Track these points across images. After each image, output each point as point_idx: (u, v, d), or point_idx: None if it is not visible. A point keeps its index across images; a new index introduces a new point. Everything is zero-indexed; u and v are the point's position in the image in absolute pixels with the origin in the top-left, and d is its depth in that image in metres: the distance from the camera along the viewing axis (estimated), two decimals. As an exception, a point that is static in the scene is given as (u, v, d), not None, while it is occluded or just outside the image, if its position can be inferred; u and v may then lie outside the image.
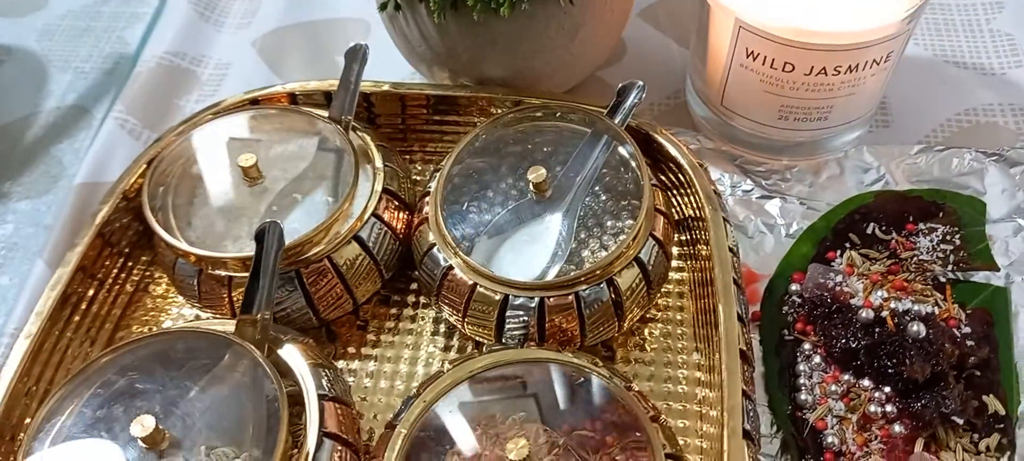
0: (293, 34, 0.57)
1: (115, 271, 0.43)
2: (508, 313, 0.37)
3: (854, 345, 0.38)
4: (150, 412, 0.32)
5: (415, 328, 0.43)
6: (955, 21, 0.55)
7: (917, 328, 0.37)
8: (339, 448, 0.34)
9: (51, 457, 0.32)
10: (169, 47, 0.56)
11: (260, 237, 0.36)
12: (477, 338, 0.40)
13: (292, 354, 0.36)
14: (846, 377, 0.38)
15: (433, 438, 0.33)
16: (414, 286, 0.44)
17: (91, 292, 0.42)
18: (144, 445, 0.32)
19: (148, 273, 0.45)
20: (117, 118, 0.51)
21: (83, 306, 0.42)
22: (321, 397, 0.34)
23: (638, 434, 0.32)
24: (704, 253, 0.40)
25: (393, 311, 0.43)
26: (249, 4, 0.60)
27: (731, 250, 0.39)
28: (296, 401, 0.34)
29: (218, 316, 0.40)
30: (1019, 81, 0.51)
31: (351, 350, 0.42)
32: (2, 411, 0.35)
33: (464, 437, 0.34)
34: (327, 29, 0.57)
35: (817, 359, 0.39)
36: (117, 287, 0.44)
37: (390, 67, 0.50)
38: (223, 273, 0.39)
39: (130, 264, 0.44)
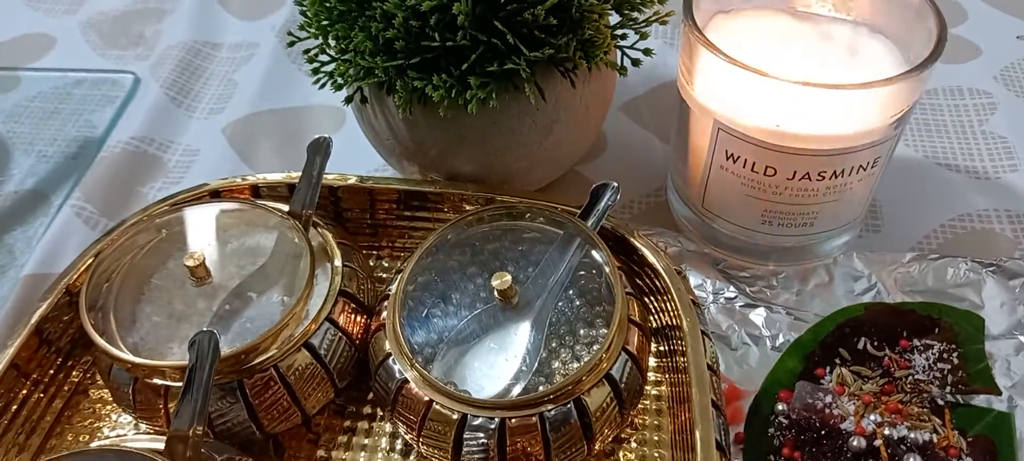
0: (264, 121, 0.56)
1: (52, 371, 0.41)
2: (466, 434, 0.34)
3: (844, 476, 0.35)
4: (56, 547, 0.29)
5: (369, 444, 0.39)
6: (946, 122, 0.54)
7: (913, 459, 0.34)
8: None
9: None
10: (137, 132, 0.54)
11: (194, 348, 0.33)
12: None
13: (227, 478, 0.33)
14: (837, 511, 0.35)
15: None
16: (371, 396, 0.41)
17: (24, 393, 0.39)
18: None
19: (89, 375, 0.42)
20: (74, 206, 0.49)
21: (14, 408, 0.39)
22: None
23: None
24: (682, 364, 0.37)
25: (347, 424, 0.40)
26: (223, 89, 0.59)
27: (710, 368, 0.36)
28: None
29: (155, 429, 0.37)
30: (1015, 186, 0.49)
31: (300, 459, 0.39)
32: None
33: None
34: (299, 117, 0.56)
35: (805, 489, 0.36)
36: (54, 388, 0.41)
37: (363, 159, 0.48)
38: (160, 382, 0.36)
39: (70, 363, 0.42)
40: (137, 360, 0.35)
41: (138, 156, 0.53)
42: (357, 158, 0.50)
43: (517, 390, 0.35)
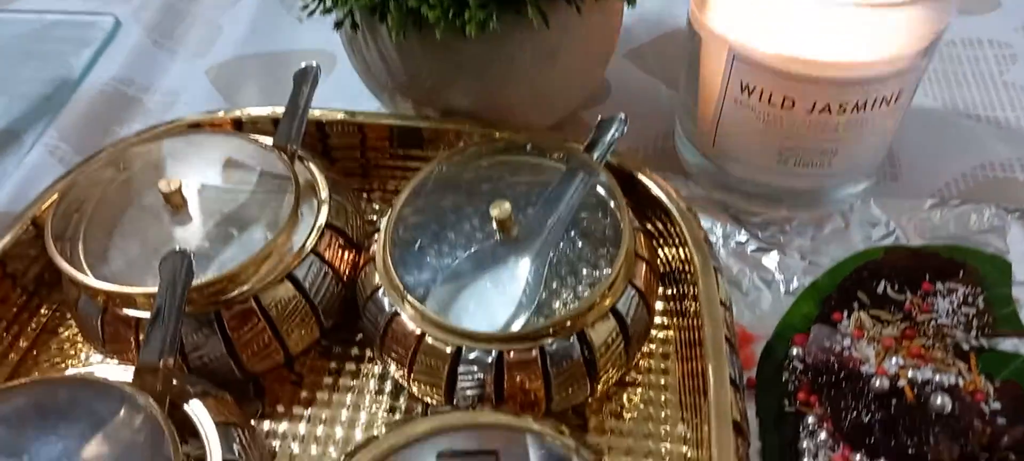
0: (251, 64, 0.53)
1: (15, 310, 0.38)
2: (461, 369, 0.32)
3: (867, 419, 0.32)
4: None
5: (356, 385, 0.37)
6: (966, 73, 0.51)
7: (942, 401, 0.32)
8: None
9: None
10: (116, 73, 0.51)
11: (165, 268, 0.31)
12: (426, 399, 0.34)
13: (199, 411, 0.30)
14: (858, 457, 0.32)
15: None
16: (360, 337, 0.38)
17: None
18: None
19: (58, 313, 0.40)
20: (47, 145, 0.46)
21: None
22: (228, 462, 0.28)
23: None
24: (692, 310, 0.35)
25: (333, 366, 0.38)
26: (207, 32, 0.56)
27: (723, 304, 0.33)
28: (200, 459, 0.29)
29: (126, 364, 0.35)
30: (1038, 135, 0.47)
31: (280, 409, 0.36)
32: None
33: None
34: (287, 60, 0.53)
35: (823, 435, 0.34)
36: (17, 328, 0.38)
37: (353, 104, 0.45)
38: (130, 313, 0.33)
39: (36, 302, 0.39)
40: (106, 287, 0.32)
41: (116, 97, 0.50)
42: (347, 103, 0.47)
43: (516, 326, 0.32)
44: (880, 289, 0.38)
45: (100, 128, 0.48)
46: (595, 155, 0.37)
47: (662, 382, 0.36)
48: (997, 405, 0.34)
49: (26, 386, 0.30)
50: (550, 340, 0.32)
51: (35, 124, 0.49)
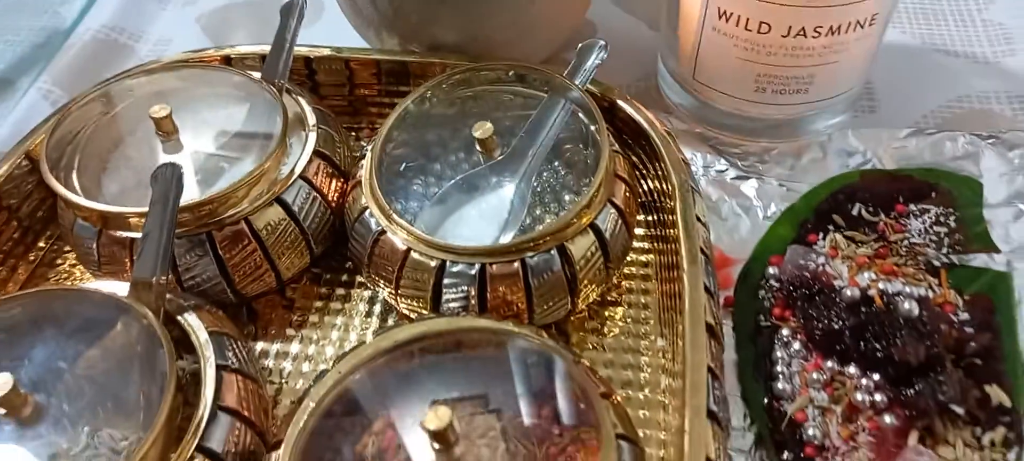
0: (241, 10, 0.54)
1: (11, 243, 0.39)
2: (445, 282, 0.33)
3: (838, 327, 0.34)
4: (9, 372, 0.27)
5: (346, 309, 0.38)
6: (944, 9, 0.52)
7: (909, 306, 0.33)
8: (238, 425, 0.29)
9: None
10: (107, 21, 0.52)
11: (157, 180, 0.32)
12: (412, 315, 0.35)
13: (193, 320, 0.31)
14: (829, 364, 0.34)
15: (346, 412, 0.28)
16: (349, 265, 0.40)
17: (-15, 263, 0.38)
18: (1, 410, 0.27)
19: (55, 247, 0.41)
20: (41, 88, 0.47)
21: (-26, 278, 0.37)
22: (220, 367, 0.30)
23: (584, 409, 0.27)
24: (672, 234, 0.36)
25: (323, 291, 0.39)
26: (198, -19, 0.57)
27: (699, 219, 0.34)
28: (194, 373, 0.30)
29: (121, 284, 0.36)
30: (1015, 69, 0.48)
31: (272, 331, 0.37)
32: None
33: (381, 412, 0.29)
34: (274, 5, 0.53)
35: (796, 345, 0.35)
36: (14, 261, 0.39)
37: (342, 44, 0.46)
38: (124, 234, 0.34)
39: (31, 236, 0.40)
40: (100, 207, 0.33)
41: (108, 44, 0.51)
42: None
43: (500, 243, 0.33)
44: (855, 211, 0.39)
45: (93, 73, 0.49)
46: (577, 80, 0.38)
47: (643, 301, 0.37)
48: (966, 316, 0.35)
49: (25, 296, 0.31)
50: (531, 253, 0.33)
51: (28, 71, 0.50)
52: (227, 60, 0.43)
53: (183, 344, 0.31)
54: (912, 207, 0.39)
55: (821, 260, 0.37)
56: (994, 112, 0.46)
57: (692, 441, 0.27)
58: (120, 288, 0.32)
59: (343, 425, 0.28)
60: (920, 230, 0.38)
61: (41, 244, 0.40)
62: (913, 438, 0.31)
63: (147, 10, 0.54)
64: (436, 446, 0.26)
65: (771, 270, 0.38)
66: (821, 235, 0.39)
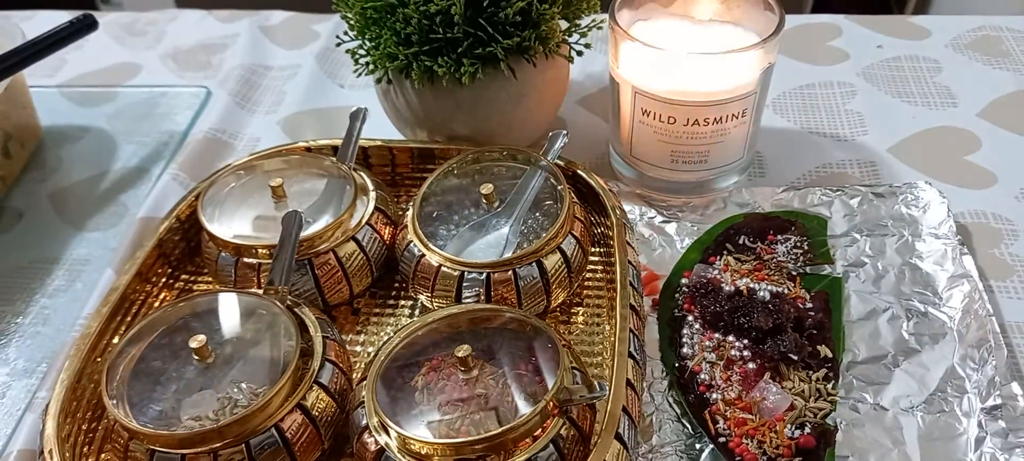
0: (309, 116, 0.74)
1: (164, 278, 0.57)
2: (464, 286, 0.51)
3: (720, 311, 0.51)
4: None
5: (396, 313, 0.56)
6: (819, 105, 0.72)
7: (763, 293, 0.51)
8: (336, 372, 0.46)
9: (127, 367, 0.45)
10: (213, 124, 0.72)
11: (285, 221, 0.50)
12: (442, 312, 0.53)
13: (305, 313, 0.49)
14: (716, 336, 0.51)
15: (405, 357, 0.46)
16: (396, 285, 0.58)
17: (145, 290, 0.55)
18: (197, 358, 0.45)
19: (193, 279, 0.59)
20: (172, 173, 0.66)
21: (137, 304, 0.55)
22: (325, 337, 0.47)
23: (550, 349, 0.45)
24: (614, 254, 0.54)
25: (379, 302, 0.57)
26: (276, 96, 0.77)
27: (629, 243, 0.53)
28: (307, 344, 0.47)
29: (248, 297, 0.54)
30: (866, 144, 0.67)
31: (347, 327, 0.55)
32: (79, 364, 0.48)
33: (426, 359, 0.46)
34: (335, 112, 0.74)
35: (697, 326, 0.52)
36: (165, 291, 0.57)
37: (386, 137, 0.65)
38: (254, 261, 0.52)
39: (177, 272, 0.58)
40: (239, 241, 0.52)
41: (215, 142, 0.71)
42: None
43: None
44: (741, 240, 0.58)
45: (206, 162, 0.68)
46: (549, 157, 0.57)
47: (597, 303, 0.55)
48: (810, 304, 0.53)
49: (198, 295, 0.49)
50: (519, 265, 0.51)
51: (157, 162, 0.69)
52: (308, 150, 0.62)
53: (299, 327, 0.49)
54: (779, 237, 0.58)
55: (715, 272, 0.55)
56: (847, 174, 0.65)
57: (617, 369, 0.45)
58: (257, 293, 0.50)
59: (403, 368, 0.46)
60: (784, 251, 0.57)
61: (183, 277, 0.59)
62: (767, 376, 0.49)
63: (241, 116, 0.74)
64: (462, 370, 0.44)
65: (684, 280, 0.56)
66: (718, 256, 0.57)
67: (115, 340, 0.51)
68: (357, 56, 0.60)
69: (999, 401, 0.46)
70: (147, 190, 0.66)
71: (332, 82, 0.79)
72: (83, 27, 0.68)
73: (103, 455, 0.47)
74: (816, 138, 0.69)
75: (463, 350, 0.43)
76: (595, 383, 0.42)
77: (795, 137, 0.69)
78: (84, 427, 0.47)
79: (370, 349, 0.54)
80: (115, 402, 0.44)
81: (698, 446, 0.47)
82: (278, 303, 0.48)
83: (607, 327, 0.54)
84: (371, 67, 0.59)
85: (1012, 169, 0.64)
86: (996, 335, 0.49)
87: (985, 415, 0.46)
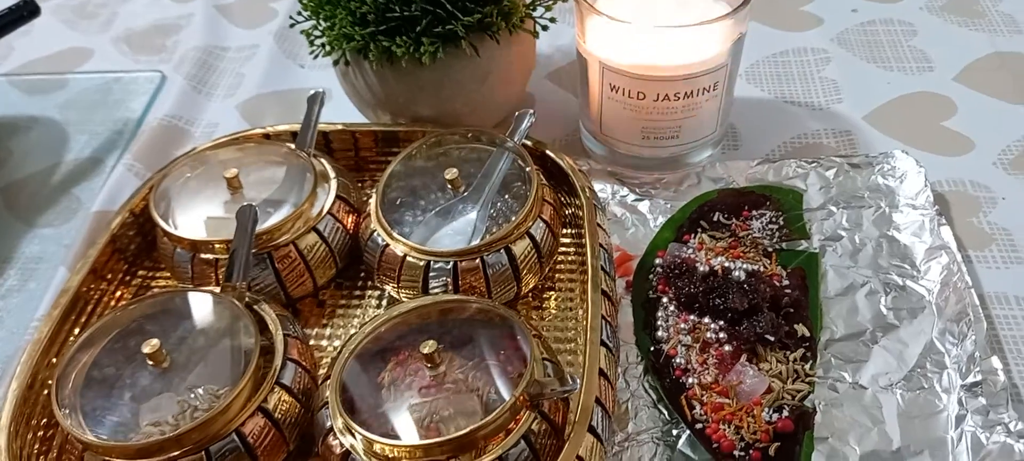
0: (269, 99, 0.71)
1: (119, 275, 0.55)
2: (431, 276, 0.49)
3: (695, 292, 0.50)
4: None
5: (363, 304, 0.54)
6: (793, 72, 0.70)
7: (738, 273, 0.50)
8: (299, 371, 0.45)
9: (79, 374, 0.43)
10: (168, 111, 0.69)
11: (239, 216, 0.48)
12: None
13: (265, 310, 0.47)
14: (692, 318, 0.50)
15: (370, 352, 0.44)
16: (362, 275, 0.56)
17: (101, 288, 0.53)
18: (151, 363, 0.43)
19: (151, 275, 0.56)
20: (126, 163, 0.64)
21: (92, 303, 0.52)
22: (286, 335, 0.45)
23: (520, 340, 0.43)
24: (585, 237, 0.52)
25: (344, 293, 0.55)
26: (234, 79, 0.74)
27: (600, 225, 0.51)
28: (267, 342, 0.46)
29: (207, 294, 0.51)
30: (840, 112, 0.66)
31: (311, 322, 0.53)
32: (31, 371, 0.46)
33: (392, 355, 0.45)
34: (296, 94, 0.71)
35: (672, 308, 0.51)
36: (122, 288, 0.55)
37: (348, 120, 0.63)
38: (211, 256, 0.50)
39: (134, 269, 0.56)
40: (195, 237, 0.50)
41: (171, 129, 0.68)
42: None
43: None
44: (715, 218, 0.56)
45: (162, 151, 0.65)
46: (515, 138, 0.55)
47: (569, 287, 0.54)
48: (787, 281, 0.51)
49: (157, 295, 0.47)
50: (487, 253, 0.49)
51: (111, 152, 0.67)
52: (266, 136, 0.60)
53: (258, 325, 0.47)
54: (754, 212, 0.56)
55: (690, 251, 0.54)
56: (822, 144, 0.63)
57: (590, 357, 0.43)
58: (214, 291, 0.48)
59: (368, 364, 0.44)
60: (759, 228, 0.55)
61: (140, 273, 0.56)
62: (743, 358, 0.48)
63: (197, 101, 0.71)
64: (428, 367, 0.42)
65: (657, 261, 0.54)
66: (693, 234, 0.55)
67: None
68: (312, 37, 0.58)
69: (979, 377, 0.45)
70: (101, 182, 0.63)
71: (293, 62, 0.76)
72: (25, 14, 0.65)
73: (58, 466, 0.45)
74: (791, 108, 0.67)
75: (429, 346, 0.42)
76: (567, 375, 0.40)
77: (769, 107, 0.67)
78: (40, 434, 0.45)
79: (337, 343, 0.52)
80: (67, 412, 0.42)
81: (675, 432, 0.46)
82: (236, 301, 0.46)
83: (581, 311, 0.52)
84: (327, 48, 0.57)
85: (989, 134, 0.63)
86: (975, 308, 0.49)
87: (965, 392, 0.45)
